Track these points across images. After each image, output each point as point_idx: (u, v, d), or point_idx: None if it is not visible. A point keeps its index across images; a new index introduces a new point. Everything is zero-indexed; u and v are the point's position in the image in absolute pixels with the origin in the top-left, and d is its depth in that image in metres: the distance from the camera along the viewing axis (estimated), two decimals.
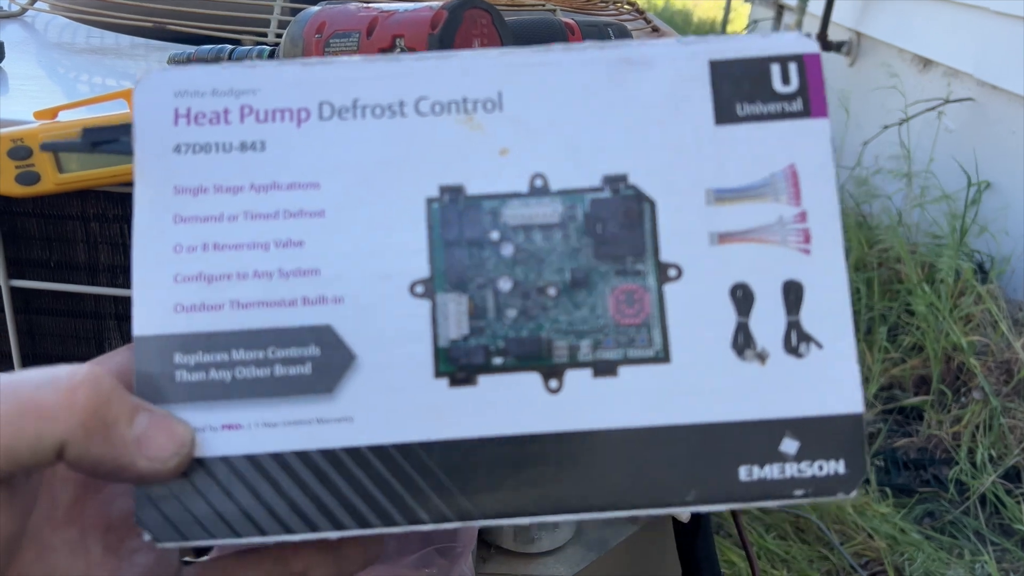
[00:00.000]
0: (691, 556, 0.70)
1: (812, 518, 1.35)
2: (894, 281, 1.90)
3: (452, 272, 0.25)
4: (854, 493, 0.25)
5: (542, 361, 0.25)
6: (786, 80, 0.27)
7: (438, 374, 0.25)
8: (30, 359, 0.49)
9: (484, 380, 0.25)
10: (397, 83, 0.26)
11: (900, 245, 1.92)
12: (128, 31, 0.72)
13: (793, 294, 0.26)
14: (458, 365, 0.25)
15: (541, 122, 0.26)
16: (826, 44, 2.64)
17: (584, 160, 0.26)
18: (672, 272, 0.26)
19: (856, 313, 1.83)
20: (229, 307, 0.25)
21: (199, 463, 0.24)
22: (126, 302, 0.48)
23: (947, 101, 2.10)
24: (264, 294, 0.25)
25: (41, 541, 0.25)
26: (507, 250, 0.26)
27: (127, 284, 0.48)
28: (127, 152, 0.26)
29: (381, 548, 0.27)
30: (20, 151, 0.40)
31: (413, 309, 0.25)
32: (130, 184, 0.45)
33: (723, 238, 0.26)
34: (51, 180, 0.41)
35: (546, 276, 0.26)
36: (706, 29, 4.33)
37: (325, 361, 0.25)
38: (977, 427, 1.50)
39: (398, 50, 0.43)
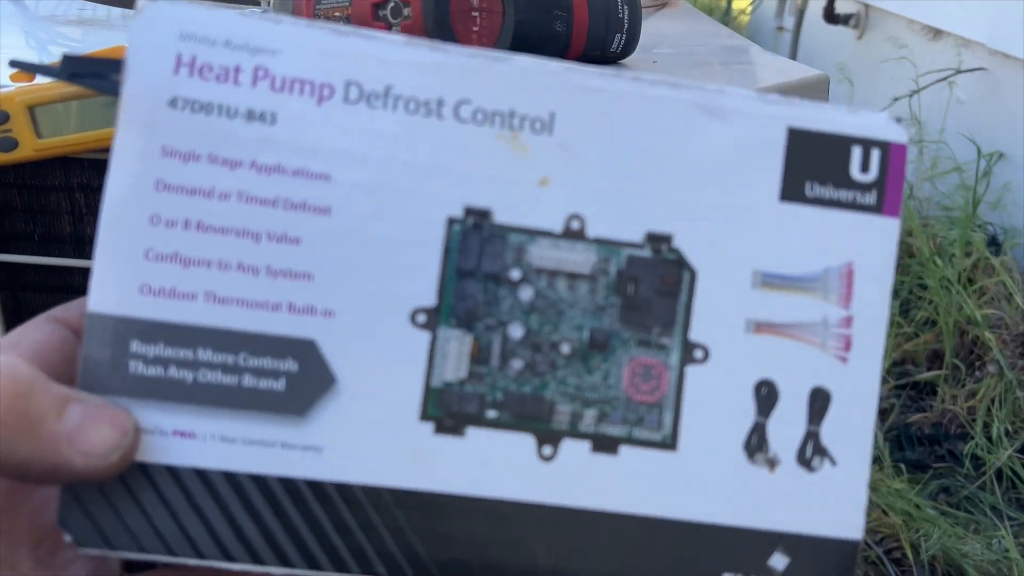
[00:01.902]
0: None
1: None
2: (906, 255, 1.88)
3: (461, 307, 0.23)
4: None
5: (540, 424, 0.23)
6: (865, 168, 0.24)
7: (424, 417, 0.23)
8: None
9: (473, 432, 0.23)
10: (440, 77, 0.23)
11: (911, 218, 1.89)
12: (118, 3, 0.70)
13: (819, 402, 0.24)
14: (448, 411, 0.23)
15: (591, 156, 0.23)
16: (833, 17, 2.60)
17: (629, 210, 0.24)
18: (698, 354, 0.24)
19: None
20: (203, 299, 0.22)
21: (140, 468, 0.22)
22: None
23: (958, 71, 2.06)
24: (246, 291, 0.22)
25: None
26: (526, 294, 0.23)
27: None
28: (112, 92, 0.23)
29: None
30: None
31: (410, 339, 0.23)
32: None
33: (760, 327, 0.24)
34: (29, 146, 0.39)
35: (562, 331, 0.23)
36: (713, 6, 4.28)
37: (302, 380, 0.22)
38: (992, 401, 1.48)
39: (392, 4, 0.40)
